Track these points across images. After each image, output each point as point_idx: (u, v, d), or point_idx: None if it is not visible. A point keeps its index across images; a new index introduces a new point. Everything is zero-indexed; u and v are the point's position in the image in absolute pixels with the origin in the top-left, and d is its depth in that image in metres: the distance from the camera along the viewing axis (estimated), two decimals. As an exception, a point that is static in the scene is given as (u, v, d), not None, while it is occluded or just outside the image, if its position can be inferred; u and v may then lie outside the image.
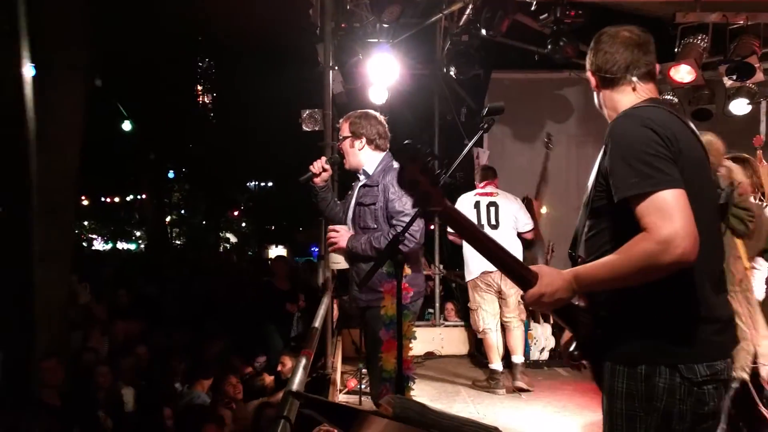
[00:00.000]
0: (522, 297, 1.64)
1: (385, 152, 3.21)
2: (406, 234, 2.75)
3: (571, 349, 1.69)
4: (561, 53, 4.99)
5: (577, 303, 1.65)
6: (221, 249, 26.99)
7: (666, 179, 1.48)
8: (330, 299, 4.78)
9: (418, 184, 1.40)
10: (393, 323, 2.58)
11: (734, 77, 5.38)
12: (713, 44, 5.13)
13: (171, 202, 26.24)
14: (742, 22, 5.00)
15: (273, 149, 21.20)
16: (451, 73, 5.49)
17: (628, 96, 1.74)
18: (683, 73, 5.04)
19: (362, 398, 4.61)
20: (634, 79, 1.72)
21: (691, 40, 5.05)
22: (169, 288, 10.14)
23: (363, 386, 4.67)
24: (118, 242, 29.48)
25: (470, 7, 4.71)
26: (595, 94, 1.86)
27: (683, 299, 1.56)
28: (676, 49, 5.19)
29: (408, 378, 2.61)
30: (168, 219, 25.69)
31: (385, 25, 5.02)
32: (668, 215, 1.44)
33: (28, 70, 5.58)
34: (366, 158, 3.18)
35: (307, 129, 5.07)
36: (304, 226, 23.09)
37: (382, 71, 5.29)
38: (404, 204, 2.91)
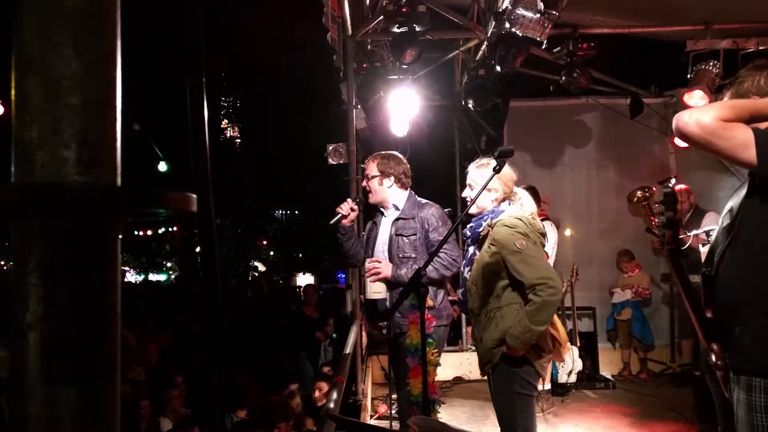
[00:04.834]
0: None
1: (408, 189, 3.46)
2: (450, 259, 3.16)
3: (712, 359, 1.84)
4: (575, 84, 5.17)
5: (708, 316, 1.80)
6: (250, 278, 27.40)
7: None
8: (359, 327, 4.94)
9: (675, 223, 1.66)
10: (418, 351, 2.74)
11: (748, 99, 5.44)
12: (725, 68, 5.21)
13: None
14: (752, 47, 5.11)
15: (300, 178, 21.65)
16: (470, 105, 5.69)
17: None
18: (696, 99, 5.14)
19: (392, 423, 4.73)
20: None
21: (703, 67, 5.18)
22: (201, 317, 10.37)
23: (393, 412, 4.80)
24: (150, 274, 30.19)
25: (485, 44, 4.93)
26: None
27: None
28: (688, 75, 5.32)
29: (434, 401, 2.77)
30: (198, 249, 26.18)
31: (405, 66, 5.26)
32: None
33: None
34: (393, 195, 3.42)
35: (333, 162, 5.31)
36: (331, 253, 23.36)
37: (403, 105, 5.45)
38: (442, 234, 3.15)
